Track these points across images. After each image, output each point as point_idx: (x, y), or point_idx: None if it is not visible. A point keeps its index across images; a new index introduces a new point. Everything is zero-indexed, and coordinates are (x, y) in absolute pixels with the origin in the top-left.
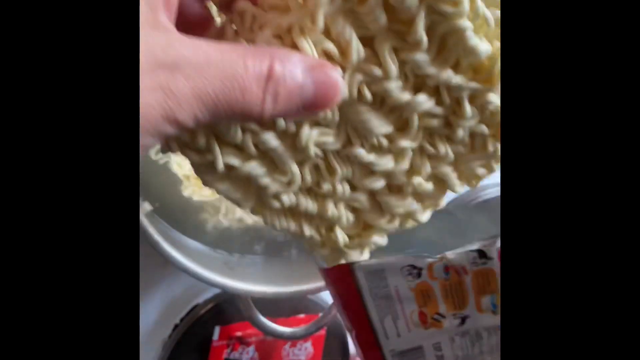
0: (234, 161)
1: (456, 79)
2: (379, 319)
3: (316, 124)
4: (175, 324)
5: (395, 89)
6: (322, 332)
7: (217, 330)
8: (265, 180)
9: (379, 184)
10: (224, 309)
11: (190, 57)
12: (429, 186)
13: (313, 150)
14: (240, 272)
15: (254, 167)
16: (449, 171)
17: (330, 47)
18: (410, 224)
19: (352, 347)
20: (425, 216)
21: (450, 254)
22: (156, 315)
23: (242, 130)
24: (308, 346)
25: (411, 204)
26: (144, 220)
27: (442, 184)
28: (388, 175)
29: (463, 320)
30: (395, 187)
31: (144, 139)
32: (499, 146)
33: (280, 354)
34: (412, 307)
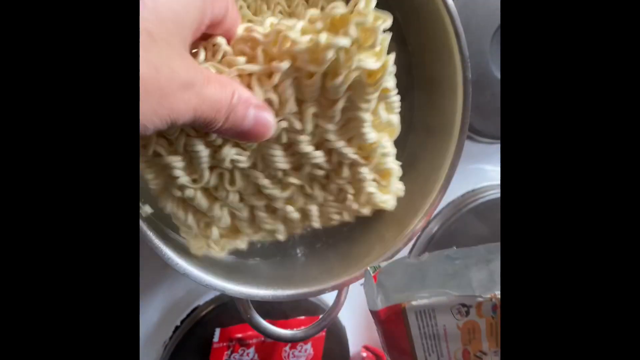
0: (162, 150)
1: (346, 149)
2: (424, 357)
3: (237, 145)
4: (175, 325)
5: (304, 141)
6: (322, 333)
7: (217, 332)
8: (179, 173)
9: (262, 203)
10: (225, 311)
11: (200, 80)
12: (295, 215)
13: (228, 163)
14: (240, 274)
15: (175, 161)
16: (314, 209)
17: (274, 98)
18: (269, 238)
19: (352, 349)
20: (282, 236)
21: (499, 294)
22: (157, 317)
23: (180, 131)
24: (308, 348)
25: (278, 224)
26: (144, 223)
27: (306, 216)
28: (271, 198)
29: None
30: (271, 208)
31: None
32: (354, 204)
33: (281, 356)
34: (457, 345)
